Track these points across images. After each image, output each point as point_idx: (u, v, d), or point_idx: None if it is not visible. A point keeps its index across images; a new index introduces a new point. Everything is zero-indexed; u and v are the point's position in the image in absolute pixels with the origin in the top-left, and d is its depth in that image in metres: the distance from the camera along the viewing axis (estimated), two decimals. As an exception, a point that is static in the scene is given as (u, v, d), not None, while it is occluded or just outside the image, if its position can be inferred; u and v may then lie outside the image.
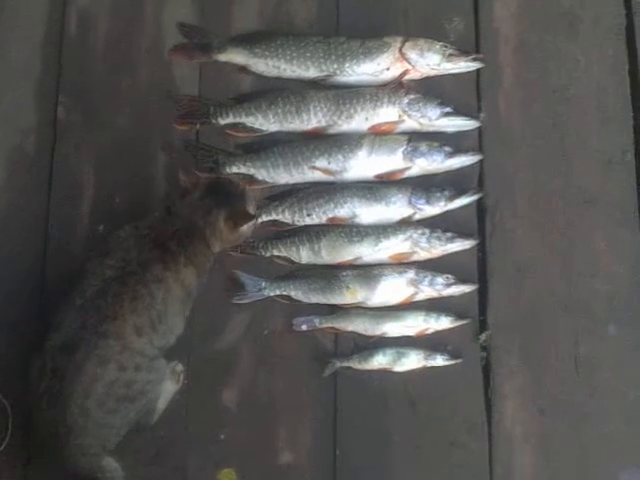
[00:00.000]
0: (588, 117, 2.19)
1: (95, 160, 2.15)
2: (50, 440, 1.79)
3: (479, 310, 2.08)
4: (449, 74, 2.19)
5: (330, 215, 2.09)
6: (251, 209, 1.92)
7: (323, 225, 2.10)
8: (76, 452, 1.79)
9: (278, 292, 2.06)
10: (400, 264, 2.08)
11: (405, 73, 2.17)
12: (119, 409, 1.79)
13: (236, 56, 2.19)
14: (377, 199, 2.09)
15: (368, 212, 2.09)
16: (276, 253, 2.09)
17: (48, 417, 1.76)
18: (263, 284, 2.06)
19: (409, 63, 2.16)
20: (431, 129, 2.15)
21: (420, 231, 2.07)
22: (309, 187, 2.13)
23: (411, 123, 2.14)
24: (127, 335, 1.76)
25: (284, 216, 2.10)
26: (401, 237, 2.07)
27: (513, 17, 2.26)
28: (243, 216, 1.88)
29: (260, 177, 2.12)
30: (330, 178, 2.12)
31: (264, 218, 2.11)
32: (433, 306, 2.06)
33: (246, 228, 1.90)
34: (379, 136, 2.13)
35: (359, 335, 2.05)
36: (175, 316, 1.86)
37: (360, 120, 2.14)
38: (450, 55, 2.17)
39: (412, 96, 2.14)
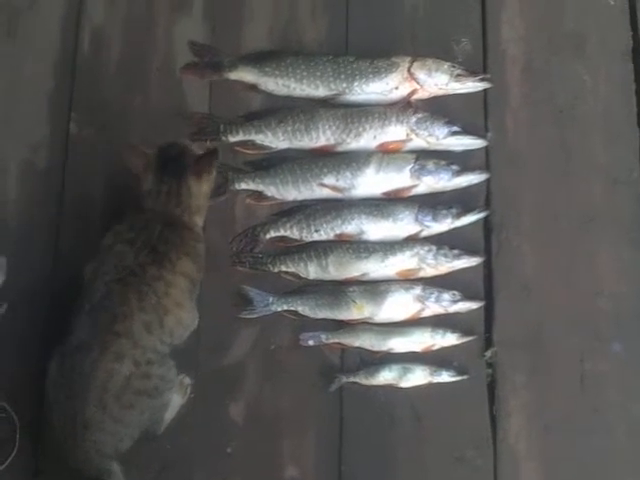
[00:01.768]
0: (594, 137, 2.21)
1: (106, 176, 2.16)
2: (66, 438, 1.80)
3: (485, 327, 2.08)
4: (457, 94, 2.21)
5: (338, 231, 2.11)
6: (199, 150, 1.99)
7: (331, 241, 2.12)
8: (90, 450, 1.80)
9: (285, 307, 2.07)
10: (407, 280, 2.08)
11: (413, 92, 2.19)
12: (135, 404, 1.81)
13: (246, 75, 2.22)
14: (384, 216, 2.10)
15: (375, 229, 2.10)
16: (284, 269, 2.10)
17: (66, 412, 1.79)
18: (271, 299, 2.07)
19: (417, 83, 2.18)
20: (439, 148, 2.16)
21: (427, 248, 2.08)
22: (317, 204, 2.14)
23: (419, 142, 2.16)
24: (137, 333, 1.80)
25: (292, 232, 2.12)
26: (408, 254, 2.08)
27: (520, 38, 2.28)
28: (206, 161, 1.95)
29: (269, 193, 2.14)
30: (338, 195, 2.13)
31: (272, 234, 2.13)
32: (439, 322, 2.06)
33: (213, 174, 1.98)
34: (387, 154, 2.14)
35: (365, 351, 2.06)
36: (181, 309, 1.89)
37: (368, 138, 2.15)
38: (458, 75, 2.19)
39: (420, 115, 2.16)
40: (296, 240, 2.12)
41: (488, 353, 2.06)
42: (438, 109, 2.19)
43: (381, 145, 2.15)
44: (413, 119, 2.16)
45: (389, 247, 2.09)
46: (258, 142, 2.17)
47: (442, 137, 2.16)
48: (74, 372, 1.78)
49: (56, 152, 2.18)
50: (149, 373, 1.82)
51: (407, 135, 2.15)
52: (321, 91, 2.20)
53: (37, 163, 2.18)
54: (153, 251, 1.86)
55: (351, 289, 2.08)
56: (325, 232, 2.11)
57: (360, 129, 2.15)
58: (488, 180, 2.16)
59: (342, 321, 2.08)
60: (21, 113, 2.21)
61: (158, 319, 1.84)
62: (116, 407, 1.79)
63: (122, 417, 1.81)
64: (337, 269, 2.09)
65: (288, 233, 2.12)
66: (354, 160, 2.14)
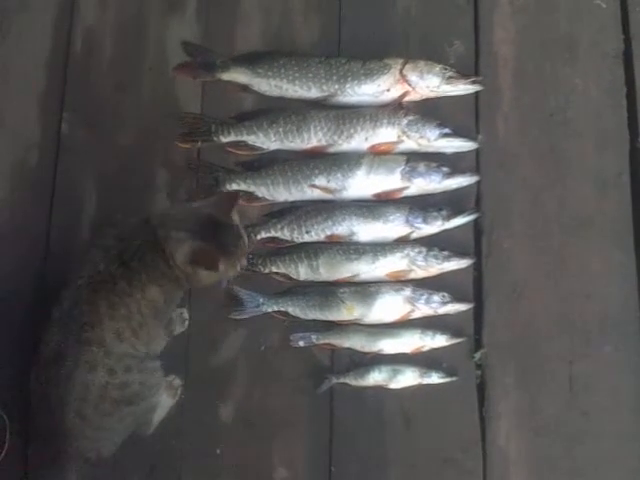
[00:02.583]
0: (585, 140, 2.21)
1: (97, 176, 2.17)
2: (50, 444, 1.82)
3: (474, 329, 2.09)
4: (448, 96, 2.21)
5: (328, 233, 2.11)
6: (230, 261, 1.80)
7: (321, 242, 2.12)
8: (73, 454, 1.81)
9: (276, 308, 2.08)
10: (397, 282, 2.09)
11: (405, 94, 2.19)
12: (115, 412, 1.80)
13: (239, 75, 2.22)
14: (375, 217, 2.10)
15: (366, 230, 2.11)
16: (274, 270, 2.11)
17: (48, 421, 1.79)
18: (261, 300, 2.07)
19: (409, 85, 2.18)
20: (430, 150, 2.17)
21: (417, 249, 2.09)
22: (308, 205, 2.14)
23: (410, 144, 2.16)
24: (108, 341, 1.77)
25: (283, 233, 2.12)
26: (398, 255, 2.09)
27: (512, 41, 2.29)
28: (207, 260, 1.77)
29: (260, 194, 2.14)
30: (329, 196, 2.14)
31: (263, 235, 2.13)
32: (429, 324, 2.07)
33: (205, 275, 1.80)
34: (378, 156, 2.15)
35: (355, 352, 2.07)
36: (152, 327, 1.85)
37: (360, 140, 2.16)
38: (450, 77, 2.19)
39: (411, 117, 2.16)
40: (287, 241, 2.13)
41: (477, 355, 2.07)
42: (429, 111, 2.20)
43: (372, 147, 2.16)
44: (404, 121, 2.16)
45: (379, 248, 2.10)
46: (250, 143, 2.17)
47: (433, 139, 2.16)
48: (50, 384, 1.77)
49: (47, 152, 2.18)
50: (127, 381, 1.80)
51: (398, 137, 2.16)
52: (313, 92, 2.20)
53: (28, 163, 2.17)
54: (123, 265, 1.79)
55: (341, 290, 2.08)
56: (316, 233, 2.12)
57: (352, 131, 2.15)
58: (478, 182, 2.17)
59: (332, 322, 2.09)
60: (13, 113, 2.21)
61: (130, 329, 1.80)
62: (96, 416, 1.78)
63: (103, 424, 1.82)
64: (327, 270, 2.09)
65: (279, 234, 2.13)
66: (345, 162, 2.14)
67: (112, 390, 1.78)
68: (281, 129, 2.16)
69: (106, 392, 1.77)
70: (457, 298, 2.08)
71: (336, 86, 2.19)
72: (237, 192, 2.05)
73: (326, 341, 2.06)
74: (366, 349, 2.06)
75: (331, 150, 2.16)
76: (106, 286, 1.78)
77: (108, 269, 1.79)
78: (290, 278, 2.11)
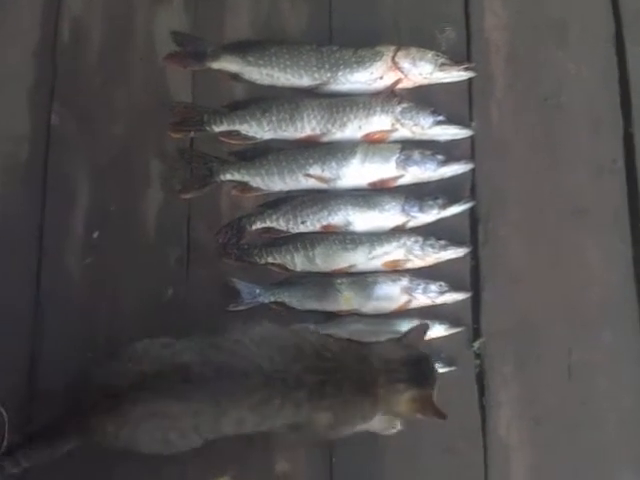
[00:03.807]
0: (579, 125, 2.21)
1: (89, 168, 2.14)
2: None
3: (473, 318, 2.08)
4: (441, 83, 2.20)
5: (324, 223, 2.10)
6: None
7: (317, 233, 2.11)
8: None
9: (273, 299, 2.06)
10: (394, 272, 2.08)
11: (398, 82, 2.17)
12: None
13: (229, 64, 2.20)
14: (371, 207, 2.09)
15: (362, 220, 2.09)
16: (271, 260, 2.09)
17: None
18: (258, 291, 2.06)
19: (402, 72, 2.17)
20: (424, 137, 2.15)
21: (414, 239, 2.08)
22: (303, 195, 2.13)
23: (404, 131, 2.15)
24: (223, 422, 1.77)
25: (278, 223, 2.11)
26: (395, 244, 2.07)
27: (504, 26, 2.27)
28: (430, 409, 1.76)
29: (254, 184, 2.12)
30: (324, 186, 2.12)
31: (258, 225, 2.11)
32: (427, 314, 2.05)
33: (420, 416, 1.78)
34: (372, 144, 2.13)
35: (353, 342, 2.05)
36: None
37: (354, 128, 2.14)
38: (442, 64, 2.18)
39: (405, 105, 2.15)
40: (282, 231, 2.11)
41: (476, 344, 2.06)
42: (423, 99, 2.18)
43: (366, 135, 2.14)
44: (398, 109, 2.15)
45: (376, 238, 2.09)
46: (242, 132, 2.15)
47: (427, 127, 2.15)
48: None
49: (38, 145, 2.14)
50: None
51: (392, 125, 2.14)
52: (305, 81, 2.18)
53: (19, 156, 2.14)
54: (320, 381, 1.74)
55: (339, 281, 2.07)
56: (311, 223, 2.10)
57: (345, 119, 2.14)
58: (473, 170, 2.15)
59: (330, 313, 2.07)
60: (1, 106, 2.17)
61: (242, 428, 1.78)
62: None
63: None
64: (324, 261, 2.08)
65: (274, 224, 2.11)
66: (339, 150, 2.12)
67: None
68: (274, 118, 2.14)
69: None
70: (454, 287, 2.07)
71: (328, 74, 2.17)
72: (426, 325, 1.93)
73: (324, 332, 2.05)
74: (364, 340, 2.04)
75: (325, 139, 2.15)
76: (282, 385, 1.73)
77: (301, 380, 1.73)
78: (286, 269, 2.09)
